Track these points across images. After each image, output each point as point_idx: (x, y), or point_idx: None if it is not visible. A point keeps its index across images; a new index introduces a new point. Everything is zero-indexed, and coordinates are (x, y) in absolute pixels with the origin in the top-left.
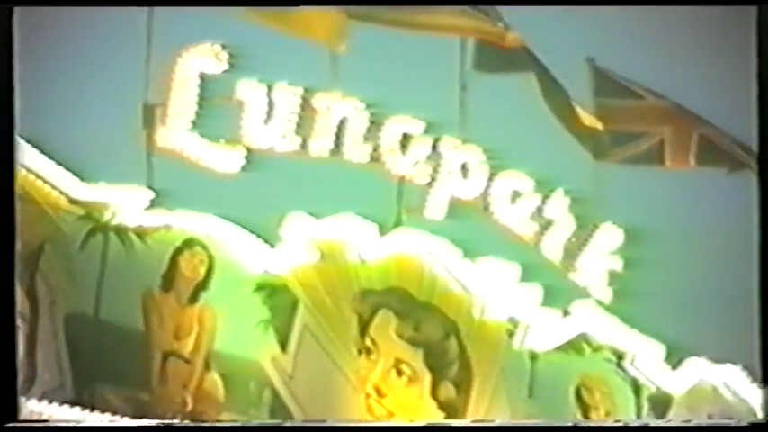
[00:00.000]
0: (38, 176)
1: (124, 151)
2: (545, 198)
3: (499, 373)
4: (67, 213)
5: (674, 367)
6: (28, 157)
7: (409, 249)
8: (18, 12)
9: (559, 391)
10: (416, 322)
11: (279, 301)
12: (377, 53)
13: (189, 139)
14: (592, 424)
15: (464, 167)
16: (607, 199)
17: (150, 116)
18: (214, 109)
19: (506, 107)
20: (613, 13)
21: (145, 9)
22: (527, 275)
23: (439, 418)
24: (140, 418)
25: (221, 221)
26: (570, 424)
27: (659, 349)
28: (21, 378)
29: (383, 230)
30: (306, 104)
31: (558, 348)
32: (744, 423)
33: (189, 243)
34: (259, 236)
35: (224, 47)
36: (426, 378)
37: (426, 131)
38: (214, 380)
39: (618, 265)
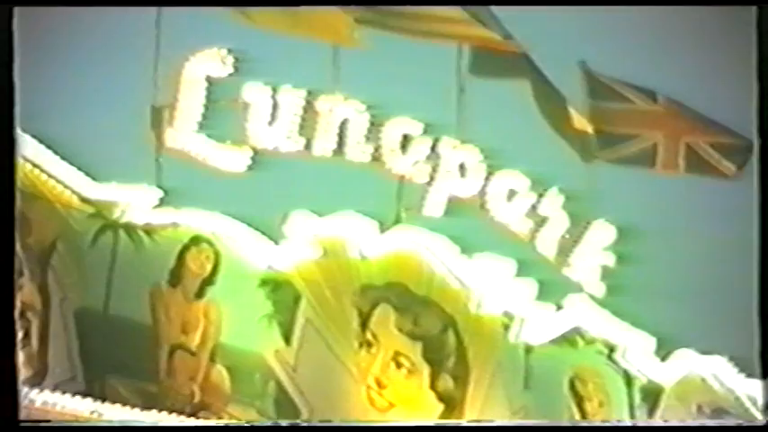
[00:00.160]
0: (50, 176)
1: (133, 152)
2: (540, 196)
3: (495, 365)
4: (78, 212)
5: (663, 359)
6: (40, 158)
7: (408, 246)
8: (28, 12)
9: (554, 382)
10: (415, 316)
11: (282, 296)
12: (378, 57)
13: (196, 140)
14: (592, 424)
15: (462, 167)
16: (600, 197)
17: (159, 118)
18: (220, 111)
19: (503, 109)
20: (614, 14)
21: (153, 15)
22: (522, 271)
23: (437, 410)
24: (149, 409)
25: (227, 219)
26: (570, 424)
27: (650, 342)
28: (33, 371)
29: (383, 228)
30: (309, 106)
31: (553, 341)
32: (744, 423)
33: (196, 240)
34: (263, 233)
35: (230, 51)
36: (425, 370)
37: (425, 132)
38: (220, 372)
39: (610, 260)
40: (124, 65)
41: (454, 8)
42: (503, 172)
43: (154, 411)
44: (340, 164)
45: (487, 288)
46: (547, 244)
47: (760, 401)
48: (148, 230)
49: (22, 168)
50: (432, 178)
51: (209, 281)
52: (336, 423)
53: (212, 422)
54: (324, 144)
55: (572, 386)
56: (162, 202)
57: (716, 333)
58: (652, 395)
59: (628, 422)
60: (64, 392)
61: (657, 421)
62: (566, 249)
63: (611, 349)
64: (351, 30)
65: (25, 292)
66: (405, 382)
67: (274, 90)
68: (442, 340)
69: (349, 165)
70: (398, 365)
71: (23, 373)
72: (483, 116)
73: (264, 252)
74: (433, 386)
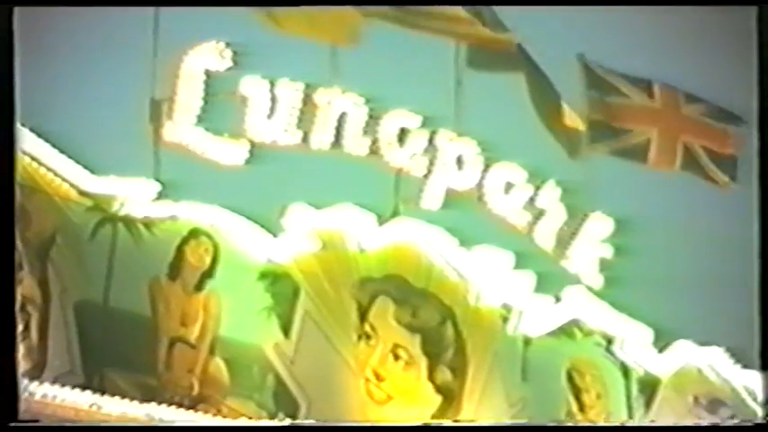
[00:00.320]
0: (49, 169)
1: (132, 145)
2: (537, 189)
3: (493, 357)
4: (77, 205)
5: (660, 350)
6: (39, 151)
7: (407, 238)
8: (30, 11)
9: (551, 374)
10: (414, 309)
11: (281, 288)
12: (376, 51)
13: (194, 133)
14: (591, 424)
15: (459, 160)
16: (597, 189)
17: (157, 111)
18: (219, 104)
19: (500, 102)
20: (614, 13)
21: (151, 9)
22: (520, 263)
23: (435, 402)
24: (148, 401)
25: (226, 212)
26: (569, 424)
27: (648, 333)
28: (32, 363)
29: (381, 220)
30: (307, 99)
31: (551, 333)
32: (744, 423)
33: (195, 233)
34: (262, 226)
35: (228, 45)
36: (423, 362)
37: (423, 125)
38: (219, 365)
39: (608, 252)
40: (123, 59)
41: (454, 8)
42: (500, 164)
43: (153, 404)
44: (338, 157)
45: (486, 280)
46: (545, 236)
47: (757, 392)
48: (147, 223)
49: (21, 162)
50: (429, 171)
51: (208, 274)
52: (337, 423)
53: (212, 422)
54: (322, 137)
55: (570, 378)
56: (160, 196)
57: (713, 324)
58: (649, 387)
59: (628, 422)
60: (63, 385)
61: (657, 422)
62: (563, 241)
63: (609, 341)
64: (356, 29)
65: (25, 285)
66: (403, 375)
67: (272, 83)
68: (441, 332)
69: (347, 158)
70: (397, 358)
71: (23, 365)
72: (480, 109)
73: (263, 245)
74: (431, 378)
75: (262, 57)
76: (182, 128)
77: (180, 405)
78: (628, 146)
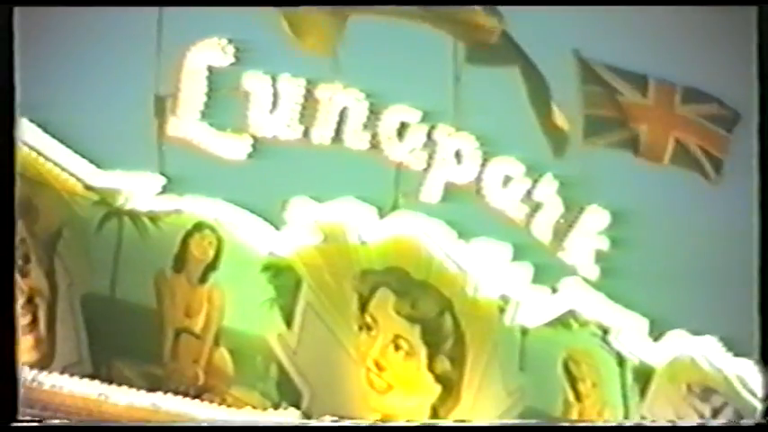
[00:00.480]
0: (56, 164)
1: (137, 140)
2: (534, 182)
3: (492, 347)
4: (84, 199)
5: (655, 340)
6: (46, 146)
7: (407, 231)
8: (39, 10)
9: (548, 364)
10: (414, 300)
11: (284, 280)
12: (376, 47)
13: (198, 128)
14: (591, 424)
15: (458, 154)
16: (593, 182)
17: (161, 107)
18: (221, 100)
19: (498, 97)
20: (614, 13)
21: (155, 6)
22: (518, 255)
23: (435, 391)
24: (154, 391)
25: (229, 206)
26: (568, 424)
27: (643, 324)
28: (41, 354)
29: (382, 213)
30: (309, 95)
31: (548, 324)
32: (744, 423)
33: (199, 226)
34: (265, 219)
35: (230, 41)
36: (423, 352)
37: (422, 120)
38: (223, 355)
39: (604, 244)
40: (127, 56)
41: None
42: (498, 159)
43: (159, 393)
44: (339, 151)
45: (484, 272)
46: (542, 229)
47: (747, 380)
48: (152, 217)
49: (28, 157)
50: (428, 165)
51: (212, 266)
52: (337, 423)
53: (216, 411)
54: (323, 132)
55: (566, 367)
56: (165, 190)
57: (706, 314)
58: (644, 376)
59: (628, 422)
60: (71, 375)
61: (652, 410)
62: (560, 234)
63: (605, 331)
64: (335, 38)
65: (33, 278)
66: (403, 364)
67: (274, 79)
68: (440, 323)
69: (348, 152)
70: (397, 348)
71: (32, 356)
72: (478, 104)
73: (266, 238)
74: (430, 368)
75: (264, 53)
76: (185, 123)
77: (185, 394)
78: (620, 140)
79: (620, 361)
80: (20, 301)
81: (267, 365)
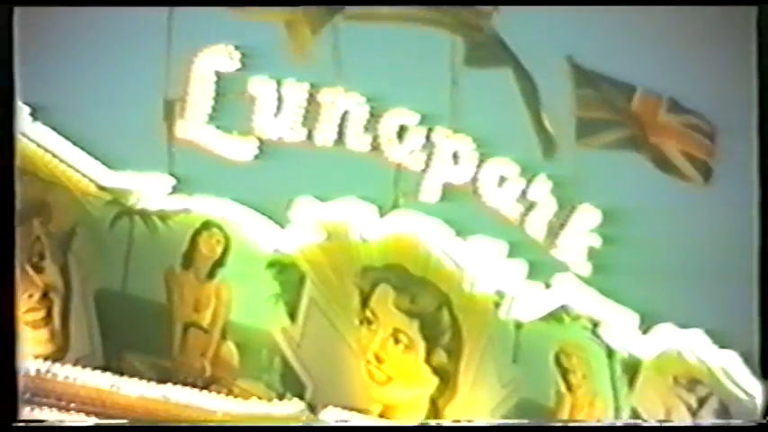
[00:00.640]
0: (69, 166)
1: (147, 142)
2: (529, 182)
3: (487, 340)
4: (96, 199)
5: (644, 333)
6: (60, 148)
7: (406, 229)
8: (47, 10)
9: (541, 356)
10: (412, 295)
11: (288, 276)
12: (376, 51)
13: (206, 131)
14: (591, 424)
15: (455, 155)
16: (586, 182)
17: (170, 110)
18: (228, 103)
19: (493, 101)
20: (613, 13)
21: (165, 14)
22: (513, 252)
23: (433, 382)
24: (164, 382)
25: (236, 205)
26: (568, 424)
27: (632, 318)
28: (56, 347)
29: (382, 212)
30: (312, 99)
31: (541, 318)
32: (744, 423)
33: (207, 225)
34: (270, 218)
35: (237, 47)
36: (421, 346)
37: (421, 123)
38: (230, 348)
39: (596, 242)
40: (138, 62)
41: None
42: (494, 160)
43: (168, 385)
44: (341, 153)
45: (480, 268)
46: (536, 227)
47: (732, 372)
48: (162, 216)
49: (43, 158)
50: (427, 166)
51: (219, 263)
52: (337, 423)
53: (224, 401)
54: (325, 134)
55: (557, 360)
56: (174, 190)
57: (693, 308)
58: (632, 367)
59: (630, 423)
60: (84, 367)
61: (642, 403)
62: (554, 232)
63: (595, 325)
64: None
65: (48, 274)
66: (402, 357)
67: (279, 84)
68: (438, 318)
69: (349, 154)
70: (396, 341)
71: (47, 348)
72: (475, 106)
73: (271, 236)
74: (428, 360)
75: (269, 59)
76: (194, 126)
77: (194, 386)
78: (616, 140)
79: (610, 353)
80: (35, 296)
81: (272, 358)
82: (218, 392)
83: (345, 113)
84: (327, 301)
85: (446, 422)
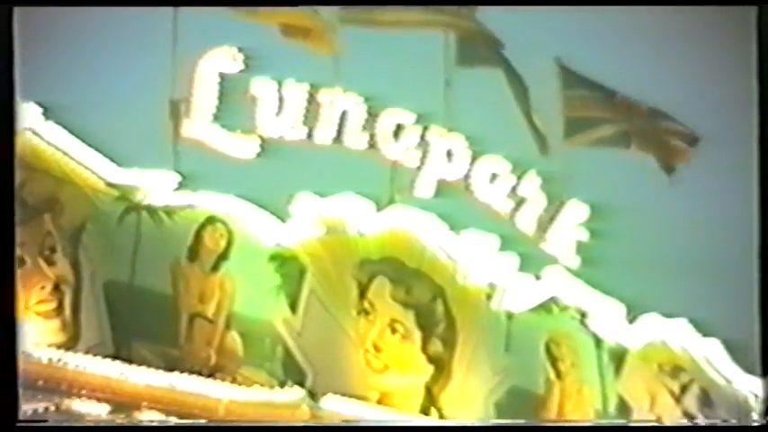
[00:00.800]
0: (79, 163)
1: (154, 141)
2: (519, 179)
3: (480, 330)
4: (105, 195)
5: (630, 323)
6: (71, 146)
7: (402, 224)
8: (63, 11)
9: (531, 345)
10: (408, 287)
11: (289, 269)
12: (373, 54)
13: (210, 130)
14: (590, 424)
15: (449, 153)
16: (574, 179)
17: (176, 110)
18: (232, 103)
19: (485, 101)
20: (612, 13)
21: (170, 16)
22: (504, 246)
23: (428, 371)
24: (171, 370)
25: (239, 201)
26: (567, 424)
27: (619, 308)
28: (67, 336)
29: (379, 208)
30: (311, 99)
31: (531, 309)
32: (745, 423)
33: (211, 220)
34: (272, 213)
35: (240, 49)
36: (417, 335)
37: (416, 122)
38: (234, 338)
39: (584, 236)
40: (145, 63)
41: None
42: (486, 157)
43: (175, 373)
44: (339, 151)
45: (473, 261)
46: (526, 221)
47: (713, 360)
48: (168, 211)
49: (54, 156)
50: (422, 163)
51: (223, 256)
52: (337, 423)
53: (228, 389)
54: (325, 133)
55: (547, 348)
56: (180, 186)
57: (677, 298)
58: (619, 356)
59: (629, 423)
60: (95, 355)
61: (629, 391)
62: (543, 226)
63: (583, 315)
64: (333, 37)
65: (59, 267)
66: (399, 346)
67: (280, 84)
68: (433, 308)
69: (347, 151)
70: (393, 331)
71: (59, 338)
72: (468, 106)
73: (273, 230)
74: (424, 350)
75: (270, 60)
76: (198, 125)
77: (199, 374)
78: (609, 134)
79: (598, 342)
80: (47, 288)
81: (274, 347)
82: (223, 380)
83: (344, 113)
84: (327, 292)
85: (446, 422)
